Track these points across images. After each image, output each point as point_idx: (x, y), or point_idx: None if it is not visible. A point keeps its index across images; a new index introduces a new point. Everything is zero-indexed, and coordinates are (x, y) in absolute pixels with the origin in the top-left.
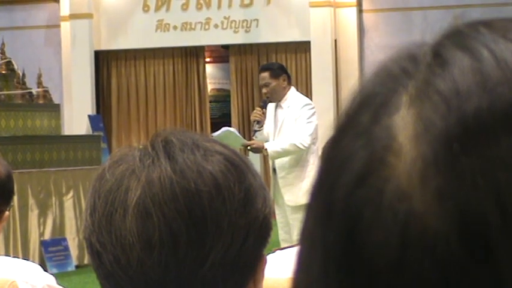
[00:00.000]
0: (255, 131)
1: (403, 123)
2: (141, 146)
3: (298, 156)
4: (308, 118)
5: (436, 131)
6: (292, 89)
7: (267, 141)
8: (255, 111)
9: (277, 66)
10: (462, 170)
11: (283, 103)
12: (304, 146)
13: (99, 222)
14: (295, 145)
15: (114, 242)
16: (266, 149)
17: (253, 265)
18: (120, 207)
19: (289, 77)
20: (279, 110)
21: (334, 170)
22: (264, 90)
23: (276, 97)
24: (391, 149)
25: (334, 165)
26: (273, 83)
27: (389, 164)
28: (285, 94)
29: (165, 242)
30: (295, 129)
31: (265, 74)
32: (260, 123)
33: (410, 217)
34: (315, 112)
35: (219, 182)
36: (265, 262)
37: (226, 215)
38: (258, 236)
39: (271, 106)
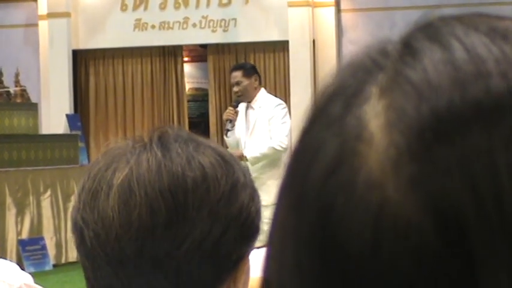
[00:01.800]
0: (227, 130)
1: (374, 112)
2: (137, 136)
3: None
4: (282, 118)
5: (408, 120)
6: (263, 90)
7: (237, 142)
8: (227, 110)
9: (249, 66)
10: (435, 158)
11: (254, 104)
12: (283, 148)
13: (85, 199)
14: (273, 148)
15: (96, 218)
16: (245, 156)
17: (233, 262)
18: (106, 186)
19: (260, 78)
20: (250, 111)
21: (305, 160)
22: (235, 89)
23: (247, 96)
24: (363, 138)
25: (306, 155)
26: (245, 81)
27: (360, 153)
28: (256, 94)
29: (143, 220)
30: (270, 130)
31: (238, 73)
32: (232, 122)
33: (382, 206)
34: (287, 112)
35: (206, 171)
36: (249, 266)
37: (208, 204)
38: (239, 232)
39: (241, 107)
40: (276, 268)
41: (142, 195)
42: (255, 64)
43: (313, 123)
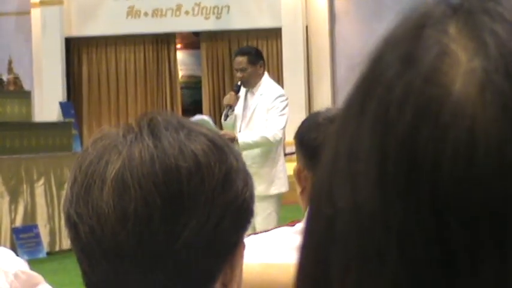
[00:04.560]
0: (227, 115)
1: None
2: (126, 124)
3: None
4: (281, 111)
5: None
6: (266, 75)
7: (233, 124)
8: (228, 95)
9: (255, 52)
10: None
11: (256, 90)
12: (276, 140)
13: (78, 193)
14: (267, 138)
15: (90, 212)
16: (237, 140)
17: (230, 249)
18: (99, 179)
19: (265, 64)
20: (250, 96)
21: (390, 71)
22: (239, 75)
23: (251, 83)
24: (447, 60)
25: (391, 67)
26: (250, 69)
27: (447, 73)
28: (259, 81)
29: (139, 214)
30: (267, 120)
31: (243, 59)
32: (232, 107)
33: (474, 123)
34: (287, 104)
35: (199, 160)
36: (244, 248)
37: (203, 193)
38: (235, 219)
39: (241, 90)
40: (348, 191)
41: (137, 189)
42: None
43: (387, 49)
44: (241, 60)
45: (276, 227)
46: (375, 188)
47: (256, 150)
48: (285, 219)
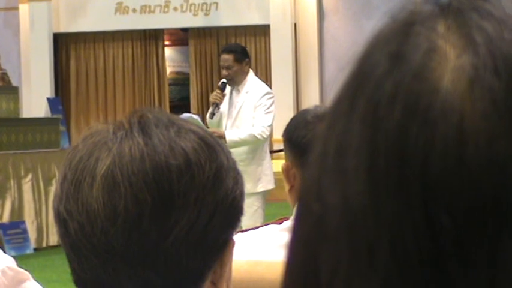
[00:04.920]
0: (213, 113)
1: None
2: (116, 121)
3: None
4: (268, 108)
5: (491, 40)
6: (251, 73)
7: (219, 122)
8: (214, 93)
9: (241, 49)
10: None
11: (241, 87)
12: (263, 137)
13: (67, 190)
14: (254, 136)
15: (80, 209)
16: (225, 137)
17: (220, 247)
18: (89, 176)
19: (250, 61)
20: (235, 94)
21: (379, 68)
22: (224, 72)
23: (237, 81)
24: (435, 56)
25: (380, 64)
26: (236, 67)
27: (435, 69)
28: (245, 78)
29: (129, 211)
30: (254, 118)
31: (229, 57)
32: (218, 105)
33: (463, 119)
34: (273, 101)
35: (189, 158)
36: (234, 246)
37: (194, 191)
38: (225, 217)
39: (226, 88)
40: (338, 187)
41: (127, 186)
42: None
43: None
44: (227, 58)
45: (264, 225)
46: (365, 184)
47: (243, 148)
48: (272, 217)
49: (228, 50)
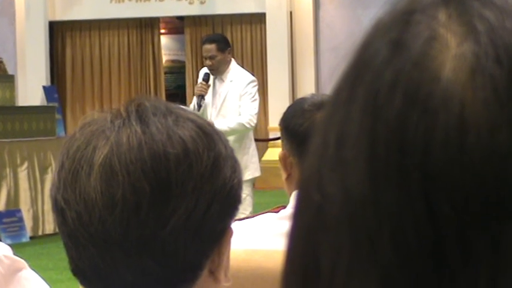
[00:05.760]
0: (200, 105)
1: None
2: (114, 109)
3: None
4: (253, 96)
5: (494, 30)
6: (233, 62)
7: (203, 112)
8: (199, 85)
9: (223, 38)
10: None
11: (225, 77)
12: (251, 126)
13: (65, 179)
14: (243, 124)
15: (77, 198)
16: None
17: (217, 236)
18: (86, 165)
19: (232, 50)
20: (218, 83)
21: (379, 56)
22: (208, 62)
23: (221, 70)
24: (436, 45)
25: (379, 53)
26: (219, 56)
27: (436, 57)
28: (227, 67)
29: (127, 200)
30: (240, 106)
31: (212, 47)
32: (204, 96)
33: (464, 108)
34: (258, 89)
35: (187, 147)
36: (231, 235)
37: (191, 180)
38: (223, 205)
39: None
40: (338, 177)
41: (124, 175)
42: (232, 36)
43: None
44: (210, 48)
45: (261, 213)
46: (365, 174)
47: (230, 137)
48: (267, 205)
49: (210, 40)
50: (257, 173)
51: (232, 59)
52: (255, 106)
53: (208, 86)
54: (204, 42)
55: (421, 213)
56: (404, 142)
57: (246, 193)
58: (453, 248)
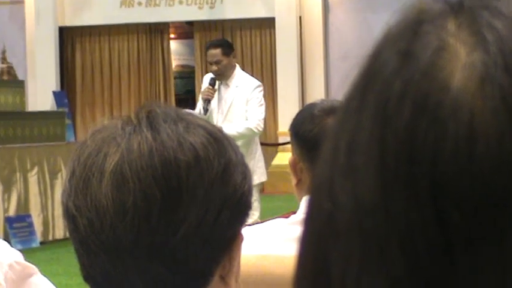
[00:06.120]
0: (206, 109)
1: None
2: (124, 116)
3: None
4: (260, 101)
5: (502, 38)
6: (238, 67)
7: (208, 118)
8: (206, 90)
9: (227, 43)
10: None
11: (230, 82)
12: (259, 130)
13: (76, 186)
14: (251, 129)
15: (89, 205)
16: None
17: (228, 242)
18: (98, 172)
19: (236, 54)
20: (224, 88)
21: (388, 66)
22: (214, 67)
23: (226, 75)
24: (445, 54)
25: (389, 63)
26: (225, 60)
27: (445, 67)
28: (233, 72)
29: (138, 207)
30: (247, 111)
31: (217, 51)
32: (210, 101)
33: (473, 117)
34: (263, 93)
35: (198, 153)
36: (242, 240)
37: (202, 187)
38: (234, 212)
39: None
40: (349, 185)
41: (135, 182)
42: (241, 41)
43: (386, 43)
44: (215, 53)
45: (271, 218)
46: (375, 181)
47: (237, 142)
48: (278, 209)
49: (215, 45)
50: (263, 178)
51: (237, 64)
52: (262, 111)
53: (215, 91)
54: (208, 48)
55: (429, 221)
56: (413, 151)
57: (253, 198)
58: (462, 256)
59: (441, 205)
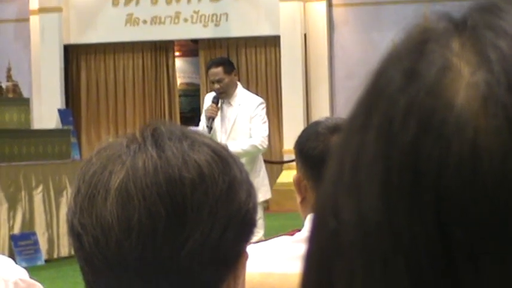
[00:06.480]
0: (210, 127)
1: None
2: (129, 134)
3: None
4: (263, 118)
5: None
6: (239, 85)
7: (212, 136)
8: (210, 108)
9: (228, 61)
10: None
11: (233, 100)
12: (263, 147)
13: (82, 204)
14: (256, 146)
15: (94, 223)
16: None
17: (233, 260)
18: (103, 189)
19: (237, 72)
20: (227, 107)
21: (393, 85)
22: (216, 86)
23: (229, 93)
24: (449, 73)
25: (394, 81)
26: (226, 79)
27: (449, 87)
28: (235, 91)
29: (143, 224)
30: (251, 129)
31: (219, 70)
32: (214, 119)
33: (477, 134)
34: (266, 111)
35: (203, 171)
36: (247, 258)
37: (207, 204)
38: (239, 229)
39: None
40: (353, 202)
41: (140, 200)
42: (246, 59)
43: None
44: (217, 71)
45: (276, 236)
46: (379, 199)
47: (242, 160)
48: (282, 227)
49: (216, 63)
50: (268, 195)
51: (239, 83)
52: (265, 128)
53: (218, 109)
54: (209, 67)
55: (433, 237)
56: (418, 167)
57: (259, 215)
58: (465, 272)
59: (445, 220)
